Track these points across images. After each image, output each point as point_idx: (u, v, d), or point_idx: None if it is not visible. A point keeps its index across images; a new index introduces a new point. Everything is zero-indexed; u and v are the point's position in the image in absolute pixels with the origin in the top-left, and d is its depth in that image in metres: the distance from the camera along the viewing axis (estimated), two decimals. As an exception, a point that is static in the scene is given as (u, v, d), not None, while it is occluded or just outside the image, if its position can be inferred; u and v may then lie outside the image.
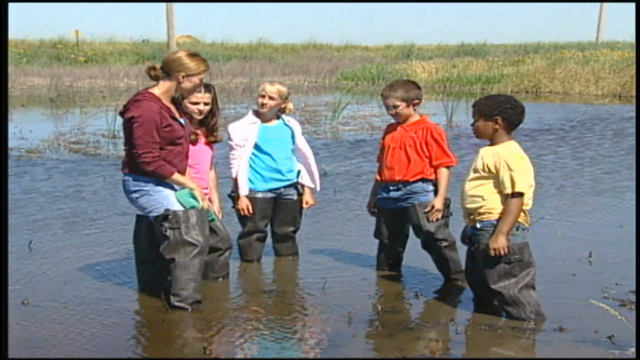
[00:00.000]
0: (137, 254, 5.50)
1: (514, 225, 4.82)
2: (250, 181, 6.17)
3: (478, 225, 4.93)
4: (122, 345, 4.59)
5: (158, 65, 5.13)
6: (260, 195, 6.18)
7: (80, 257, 6.47)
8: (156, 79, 5.12)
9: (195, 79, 5.11)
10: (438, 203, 5.65)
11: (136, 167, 5.07)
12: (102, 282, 5.79)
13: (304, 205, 6.39)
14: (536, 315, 4.88)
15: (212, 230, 5.58)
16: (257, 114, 6.19)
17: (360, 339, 4.67)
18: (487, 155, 4.90)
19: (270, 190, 6.21)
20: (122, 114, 5.13)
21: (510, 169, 4.79)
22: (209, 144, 5.78)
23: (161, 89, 5.11)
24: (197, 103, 5.59)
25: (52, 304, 5.26)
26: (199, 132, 5.67)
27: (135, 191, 5.13)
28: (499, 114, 4.88)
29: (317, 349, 4.59)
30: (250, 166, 6.17)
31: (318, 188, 6.47)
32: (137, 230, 5.49)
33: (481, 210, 4.92)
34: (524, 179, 4.80)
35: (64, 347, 4.52)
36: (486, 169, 4.88)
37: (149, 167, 5.02)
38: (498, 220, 4.84)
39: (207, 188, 5.75)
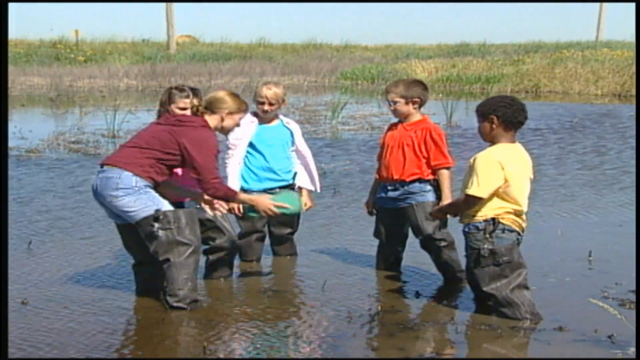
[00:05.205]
0: (133, 257, 5.47)
1: (451, 212, 5.11)
2: (245, 180, 6.16)
3: (466, 229, 4.95)
4: (122, 345, 4.60)
5: (202, 104, 5.32)
6: (255, 195, 6.16)
7: (80, 257, 6.47)
8: (200, 115, 5.30)
9: (236, 117, 5.37)
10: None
11: (144, 168, 5.05)
12: (101, 282, 5.79)
13: (303, 207, 6.36)
14: (531, 315, 4.87)
15: (219, 230, 5.60)
16: (256, 114, 6.18)
17: (360, 338, 4.67)
18: (474, 156, 4.92)
19: (265, 191, 6.18)
20: (178, 123, 5.18)
21: (474, 172, 4.80)
22: None
23: (212, 123, 5.30)
24: (184, 109, 5.58)
25: (52, 304, 5.26)
26: None
27: (123, 189, 5.01)
28: (493, 113, 4.89)
29: (317, 349, 4.58)
30: (246, 165, 6.17)
31: (318, 190, 6.45)
32: (124, 239, 5.39)
33: (466, 212, 4.93)
34: (482, 184, 4.76)
35: (64, 347, 4.52)
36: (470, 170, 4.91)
37: (219, 192, 5.20)
38: (482, 222, 4.84)
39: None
